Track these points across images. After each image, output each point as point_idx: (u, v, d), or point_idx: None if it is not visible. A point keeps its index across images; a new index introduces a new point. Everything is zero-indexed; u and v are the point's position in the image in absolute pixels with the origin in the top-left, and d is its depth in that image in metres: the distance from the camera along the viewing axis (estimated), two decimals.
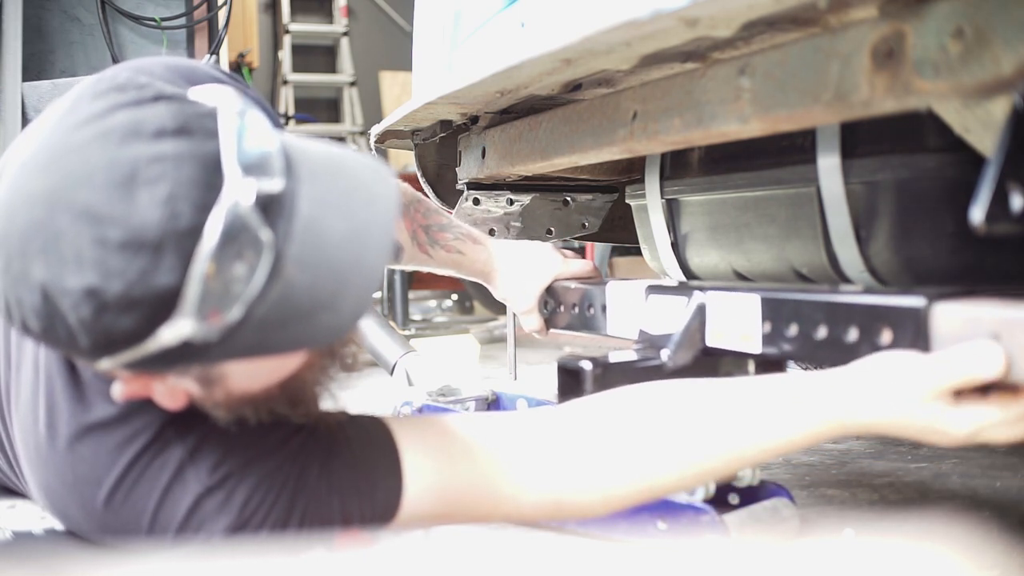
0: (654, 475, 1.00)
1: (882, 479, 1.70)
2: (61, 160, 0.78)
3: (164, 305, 0.77)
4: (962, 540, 1.28)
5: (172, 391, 0.88)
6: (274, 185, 0.79)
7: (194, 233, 0.76)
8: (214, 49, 3.53)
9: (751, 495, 1.33)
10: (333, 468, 0.96)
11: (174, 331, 0.78)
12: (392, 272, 4.56)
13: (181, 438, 0.93)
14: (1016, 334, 0.85)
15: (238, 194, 0.77)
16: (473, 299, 6.11)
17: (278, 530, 0.94)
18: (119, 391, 0.88)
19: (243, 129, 0.81)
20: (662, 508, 1.28)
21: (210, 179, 0.77)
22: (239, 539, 0.93)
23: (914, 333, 0.93)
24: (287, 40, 7.96)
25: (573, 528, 1.40)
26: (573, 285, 1.51)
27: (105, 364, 0.82)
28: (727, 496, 1.34)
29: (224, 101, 0.83)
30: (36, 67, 3.38)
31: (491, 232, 1.85)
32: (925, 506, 1.52)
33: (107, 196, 0.75)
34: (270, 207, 0.79)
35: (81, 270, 0.75)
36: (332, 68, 8.31)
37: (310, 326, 0.82)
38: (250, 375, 0.87)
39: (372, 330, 1.66)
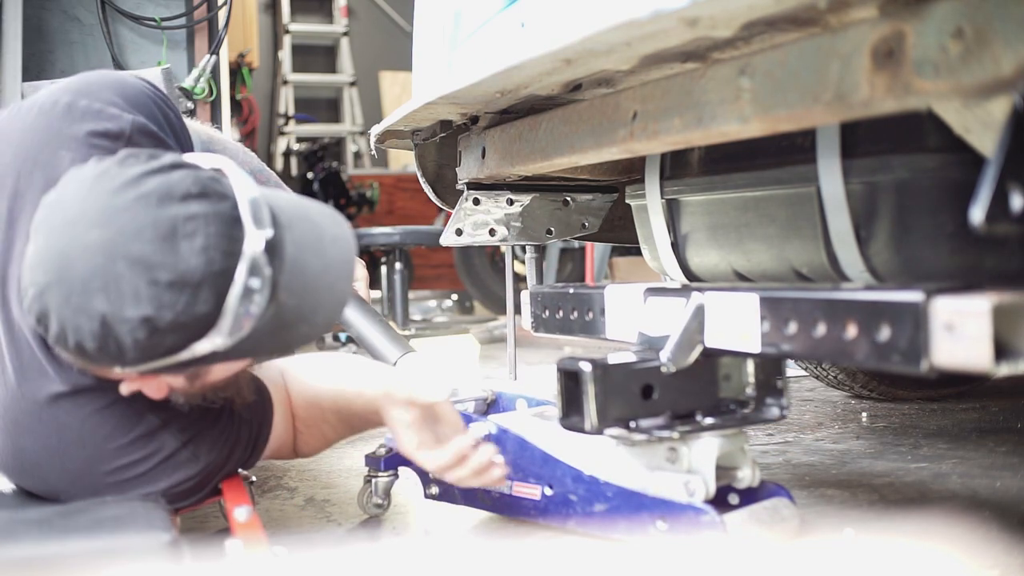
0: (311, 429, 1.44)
1: (882, 479, 1.69)
2: (111, 218, 1.00)
3: (201, 327, 1.03)
4: (962, 540, 1.28)
5: (160, 385, 1.14)
6: (269, 234, 1.06)
7: (224, 273, 1.02)
8: (214, 49, 3.53)
9: (751, 495, 1.33)
10: (252, 427, 1.33)
11: (207, 344, 1.04)
12: (392, 272, 4.56)
13: (153, 409, 1.19)
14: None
15: (254, 244, 1.04)
16: (473, 299, 6.11)
17: (221, 469, 1.27)
18: (125, 388, 1.14)
19: (244, 190, 1.07)
20: (662, 508, 1.28)
21: (230, 232, 1.03)
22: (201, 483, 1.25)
23: (913, 327, 0.92)
24: (287, 40, 7.96)
25: (573, 528, 1.40)
26: (572, 290, 1.51)
27: (129, 370, 1.06)
28: (727, 496, 1.33)
29: (223, 167, 1.08)
30: (36, 67, 3.38)
31: (491, 232, 1.85)
32: (925, 506, 1.52)
33: (156, 248, 0.99)
34: (267, 249, 1.05)
35: (139, 304, 0.99)
36: (332, 68, 8.31)
37: (292, 334, 1.13)
38: (224, 371, 1.16)
39: (371, 330, 1.66)
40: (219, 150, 1.52)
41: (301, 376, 1.44)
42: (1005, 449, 1.89)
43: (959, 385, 2.50)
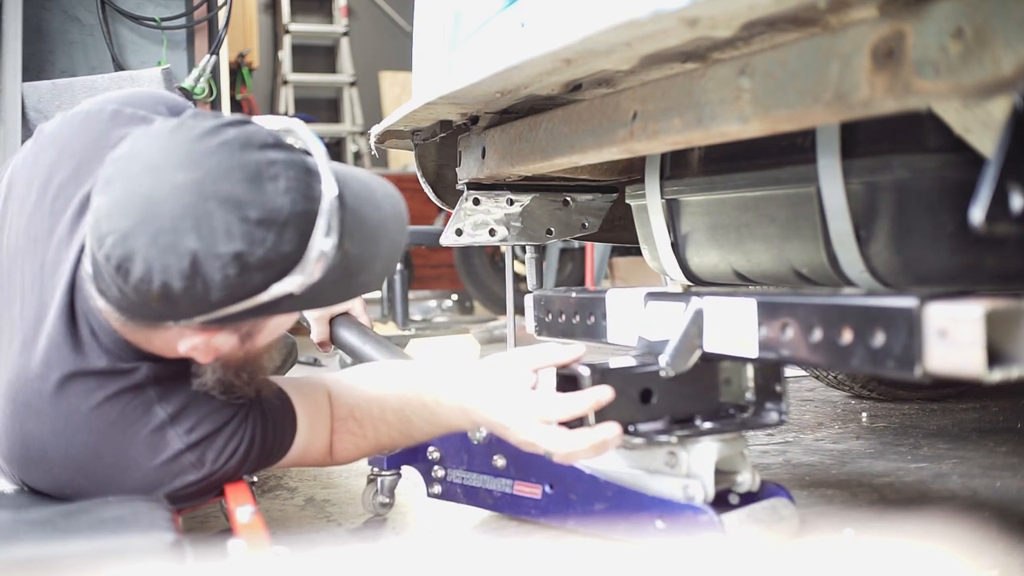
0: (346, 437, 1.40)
1: (882, 479, 1.70)
2: (198, 162, 1.04)
3: (284, 266, 1.07)
4: (962, 540, 1.28)
5: (208, 348, 1.16)
6: (337, 185, 1.10)
7: (306, 215, 1.07)
8: (214, 49, 3.53)
9: (750, 495, 1.33)
10: (267, 436, 1.29)
11: (287, 285, 1.08)
12: (392, 272, 4.56)
13: (162, 401, 1.20)
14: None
15: (330, 191, 1.09)
16: (473, 299, 6.10)
17: (229, 477, 1.25)
18: (184, 346, 1.15)
19: (315, 145, 1.12)
20: (661, 507, 1.29)
21: (306, 178, 1.08)
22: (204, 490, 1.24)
23: (907, 333, 0.93)
24: (287, 40, 7.96)
25: (573, 527, 1.40)
26: (574, 294, 1.51)
27: (200, 319, 1.08)
28: (727, 496, 1.34)
29: (292, 126, 1.13)
30: (36, 67, 3.38)
31: (491, 232, 1.85)
32: (925, 506, 1.52)
33: (245, 188, 1.04)
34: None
35: (231, 240, 1.03)
36: (332, 68, 8.30)
37: (354, 283, 1.17)
38: (276, 327, 1.20)
39: (362, 341, 1.66)
40: None
41: (354, 383, 1.41)
42: (1005, 449, 1.89)
43: (959, 385, 2.50)
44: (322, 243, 1.08)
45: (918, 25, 0.81)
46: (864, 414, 2.36)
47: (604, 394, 1.22)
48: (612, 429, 1.21)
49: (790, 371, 2.45)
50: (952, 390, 2.50)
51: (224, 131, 1.07)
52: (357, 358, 1.65)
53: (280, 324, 1.21)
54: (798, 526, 1.33)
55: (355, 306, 1.71)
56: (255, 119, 1.13)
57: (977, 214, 0.82)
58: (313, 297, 1.13)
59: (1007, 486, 1.62)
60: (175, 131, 1.08)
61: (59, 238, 1.21)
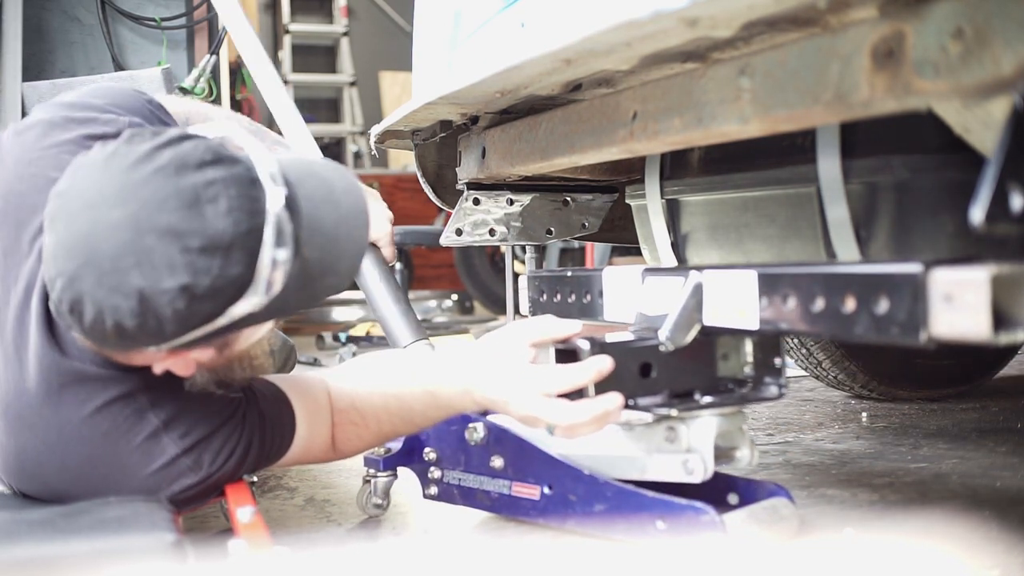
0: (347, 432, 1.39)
1: (882, 479, 1.70)
2: (132, 194, 1.01)
3: (236, 289, 1.04)
4: (962, 540, 1.29)
5: (188, 362, 1.14)
6: (285, 191, 1.07)
7: (252, 233, 1.03)
8: (214, 49, 3.53)
9: (750, 495, 1.33)
10: (264, 435, 1.29)
11: (245, 306, 1.06)
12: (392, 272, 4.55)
13: (154, 408, 1.19)
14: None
15: (275, 201, 1.05)
16: (473, 299, 6.11)
17: (228, 479, 1.25)
18: (158, 368, 1.14)
19: (255, 152, 1.08)
20: (661, 508, 1.29)
21: (249, 192, 1.04)
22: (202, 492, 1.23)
23: (912, 299, 0.92)
24: (287, 40, 7.96)
25: (573, 528, 1.40)
26: (570, 273, 1.51)
27: (165, 346, 1.07)
28: (727, 496, 1.34)
29: (228, 133, 1.10)
30: (36, 67, 3.38)
31: (491, 232, 1.85)
32: (925, 506, 1.52)
33: (182, 216, 1.00)
34: (286, 206, 1.06)
35: (175, 273, 1.00)
36: (332, 68, 8.31)
37: (318, 287, 1.15)
38: (251, 335, 1.18)
39: (389, 307, 1.64)
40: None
41: (353, 374, 1.41)
42: (1005, 449, 1.89)
43: (959, 385, 2.50)
44: (273, 257, 1.05)
45: (918, 25, 0.81)
46: (864, 414, 2.36)
47: (605, 364, 1.20)
48: (614, 399, 1.20)
49: (790, 371, 2.45)
50: (952, 390, 2.50)
51: (159, 154, 1.03)
52: (372, 307, 1.63)
53: (256, 330, 1.19)
54: (798, 526, 1.33)
55: (381, 237, 1.66)
56: (194, 129, 1.09)
57: (977, 214, 0.82)
58: (277, 308, 1.11)
59: (1007, 486, 1.62)
60: (109, 160, 1.04)
61: (26, 249, 1.20)
